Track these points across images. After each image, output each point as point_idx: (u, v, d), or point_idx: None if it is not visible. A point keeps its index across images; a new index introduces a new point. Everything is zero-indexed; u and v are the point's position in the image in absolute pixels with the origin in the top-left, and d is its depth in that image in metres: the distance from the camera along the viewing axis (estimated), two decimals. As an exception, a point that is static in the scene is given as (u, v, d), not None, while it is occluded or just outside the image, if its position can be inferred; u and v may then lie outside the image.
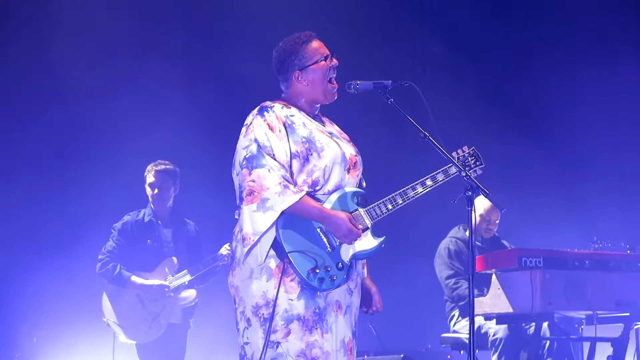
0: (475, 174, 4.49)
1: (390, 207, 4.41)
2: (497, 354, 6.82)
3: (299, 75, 4.50)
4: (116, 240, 7.20)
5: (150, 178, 7.24)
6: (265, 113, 4.39)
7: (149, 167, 7.28)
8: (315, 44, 4.53)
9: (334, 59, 4.54)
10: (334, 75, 4.54)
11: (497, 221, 7.62)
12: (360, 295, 4.55)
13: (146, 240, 7.21)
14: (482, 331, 6.95)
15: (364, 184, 4.60)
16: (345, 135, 4.62)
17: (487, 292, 6.54)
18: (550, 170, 9.50)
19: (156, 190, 7.23)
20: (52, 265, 8.37)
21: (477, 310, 6.48)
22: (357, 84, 4.56)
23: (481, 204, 7.49)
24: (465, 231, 7.53)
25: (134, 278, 7.07)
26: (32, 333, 8.45)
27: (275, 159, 4.28)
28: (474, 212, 7.36)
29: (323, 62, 4.51)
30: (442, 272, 7.49)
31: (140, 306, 7.08)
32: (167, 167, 7.27)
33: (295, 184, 4.31)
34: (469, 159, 4.52)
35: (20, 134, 8.54)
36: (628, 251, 7.01)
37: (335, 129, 4.62)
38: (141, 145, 8.47)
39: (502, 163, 9.34)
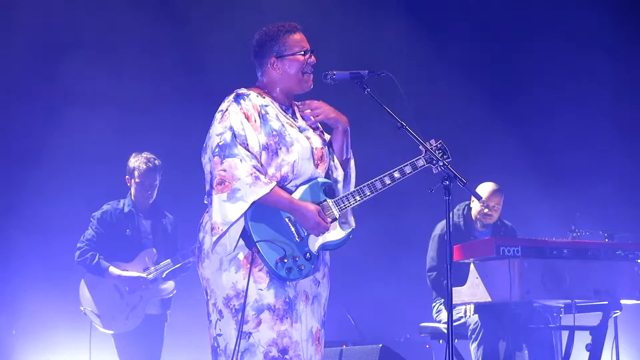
0: (442, 168, 4.47)
1: (358, 198, 4.43)
2: (476, 343, 6.82)
3: (274, 62, 4.48)
4: (95, 229, 7.18)
5: (140, 177, 7.18)
6: (242, 101, 4.38)
7: (138, 164, 7.18)
8: (298, 36, 4.52)
9: (313, 57, 4.52)
10: (310, 71, 4.51)
11: (498, 206, 7.51)
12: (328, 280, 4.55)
13: (125, 230, 7.19)
14: (462, 321, 6.95)
15: (336, 172, 4.59)
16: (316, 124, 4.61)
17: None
18: (528, 159, 9.52)
19: (149, 192, 7.22)
20: (29, 257, 8.34)
21: (456, 299, 6.49)
22: (334, 74, 4.55)
23: (481, 188, 7.48)
24: (463, 211, 7.52)
25: (112, 269, 7.04)
26: (11, 325, 8.42)
27: (248, 149, 4.27)
28: (472, 201, 7.46)
29: (301, 56, 4.49)
30: (428, 260, 7.47)
31: (118, 296, 7.06)
32: (155, 162, 7.21)
33: (266, 174, 4.30)
34: (437, 152, 4.48)
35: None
36: (606, 240, 7.03)
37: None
38: (117, 134, 8.45)
39: (480, 153, 9.36)
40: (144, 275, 7.07)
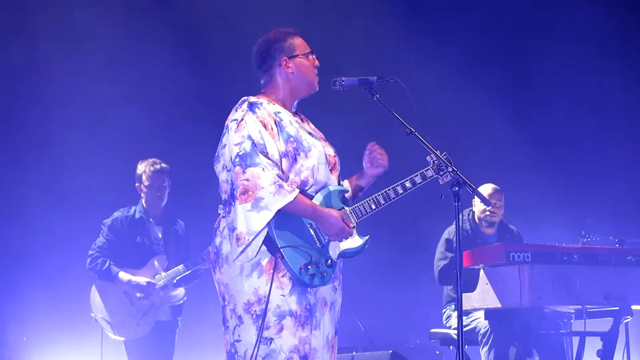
0: (447, 178, 4.52)
1: (374, 207, 4.49)
2: (486, 347, 6.81)
3: (286, 62, 4.52)
4: (106, 236, 7.20)
5: (148, 180, 7.21)
6: (257, 109, 4.38)
7: (144, 168, 7.23)
8: (300, 39, 4.59)
9: (316, 59, 4.59)
10: (317, 72, 4.58)
11: (500, 203, 7.53)
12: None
13: (136, 237, 7.20)
14: (471, 326, 6.95)
15: (342, 183, 4.62)
16: (321, 134, 4.64)
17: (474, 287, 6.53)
18: (538, 164, 9.50)
19: (158, 193, 7.24)
20: (40, 263, 8.36)
21: (466, 305, 6.47)
22: (343, 81, 4.59)
23: (481, 189, 7.47)
24: (469, 216, 7.54)
25: (121, 274, 7.06)
26: (22, 332, 8.43)
27: (268, 158, 4.27)
28: (474, 203, 7.49)
29: (310, 57, 4.55)
30: (435, 262, 7.47)
31: (128, 303, 7.07)
32: (162, 166, 7.25)
33: (287, 182, 4.31)
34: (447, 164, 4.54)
35: (6, 131, 8.52)
36: (616, 245, 7.01)
37: (311, 127, 4.64)
38: (128, 142, 8.47)
39: (488, 157, 9.34)
40: (153, 280, 7.08)
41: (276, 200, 4.19)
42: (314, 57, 4.58)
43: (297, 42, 4.56)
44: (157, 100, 8.88)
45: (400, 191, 4.51)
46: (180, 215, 7.48)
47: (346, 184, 4.66)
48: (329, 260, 4.34)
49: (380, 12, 9.84)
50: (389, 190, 4.50)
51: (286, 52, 4.52)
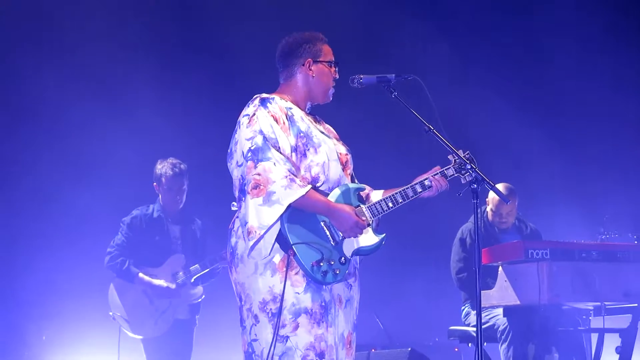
0: (470, 178, 4.48)
1: (391, 205, 4.44)
2: (505, 344, 6.81)
3: (310, 65, 4.52)
4: (125, 234, 7.21)
5: (167, 184, 7.20)
6: (268, 104, 4.39)
7: (164, 170, 7.21)
8: (328, 48, 4.61)
9: (336, 73, 4.60)
10: (334, 84, 4.59)
11: (510, 212, 7.48)
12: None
13: (154, 236, 7.21)
14: (490, 323, 6.95)
15: (356, 181, 4.60)
16: (335, 134, 4.64)
17: (493, 284, 6.52)
18: (557, 161, 9.47)
19: (178, 197, 7.24)
20: (59, 262, 8.39)
21: (484, 303, 6.47)
22: (361, 78, 4.59)
23: (490, 197, 7.46)
24: (483, 213, 7.52)
25: (141, 275, 7.07)
26: (41, 331, 8.46)
27: (280, 152, 4.27)
28: (487, 204, 7.48)
29: (332, 68, 4.58)
30: (453, 265, 7.47)
31: (147, 301, 7.08)
32: (181, 167, 7.24)
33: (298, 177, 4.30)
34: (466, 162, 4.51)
35: (23, 128, 8.55)
36: (635, 242, 6.98)
37: (325, 127, 4.64)
38: (145, 138, 8.49)
39: (508, 153, 9.32)
40: (172, 286, 7.09)
41: (288, 194, 4.18)
42: (336, 69, 4.59)
43: (326, 49, 4.58)
44: (176, 99, 8.90)
45: (419, 189, 4.45)
46: (197, 214, 7.48)
47: (377, 193, 4.60)
48: (343, 258, 4.33)
49: (398, 13, 9.84)
50: (407, 188, 4.45)
51: (313, 55, 4.54)
